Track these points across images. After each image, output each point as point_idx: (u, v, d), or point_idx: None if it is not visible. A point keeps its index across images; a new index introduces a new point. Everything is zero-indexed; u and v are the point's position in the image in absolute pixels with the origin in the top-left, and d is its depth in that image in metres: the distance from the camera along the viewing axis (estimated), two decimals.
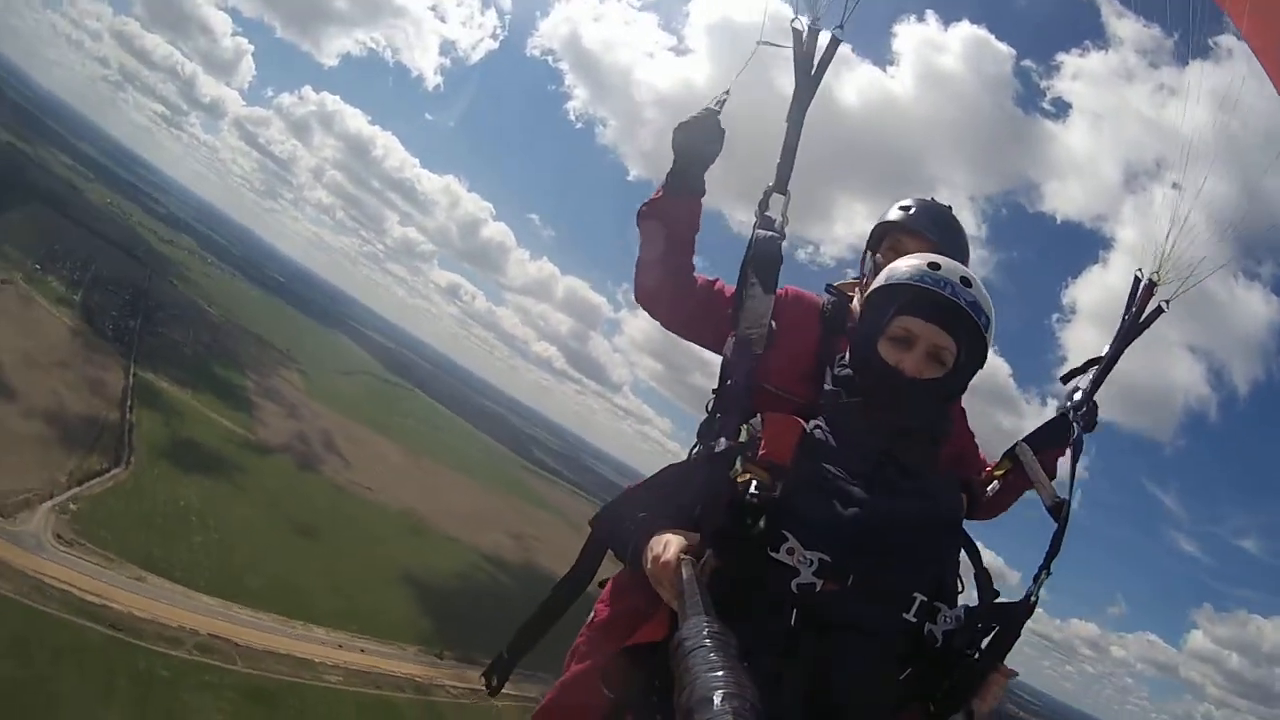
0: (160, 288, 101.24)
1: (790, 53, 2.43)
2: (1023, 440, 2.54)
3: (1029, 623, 2.12)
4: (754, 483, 1.90)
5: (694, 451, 2.22)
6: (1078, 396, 2.63)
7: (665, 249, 2.43)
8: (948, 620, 1.94)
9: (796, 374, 2.36)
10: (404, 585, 69.14)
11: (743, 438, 2.09)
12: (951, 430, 2.26)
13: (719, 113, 2.35)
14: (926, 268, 2.07)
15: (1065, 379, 2.77)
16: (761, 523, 1.85)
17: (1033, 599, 2.14)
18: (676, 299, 2.52)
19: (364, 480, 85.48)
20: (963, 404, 2.65)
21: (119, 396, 69.14)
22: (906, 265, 2.11)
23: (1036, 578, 2.19)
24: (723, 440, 2.08)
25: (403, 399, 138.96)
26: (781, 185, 2.40)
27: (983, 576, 2.12)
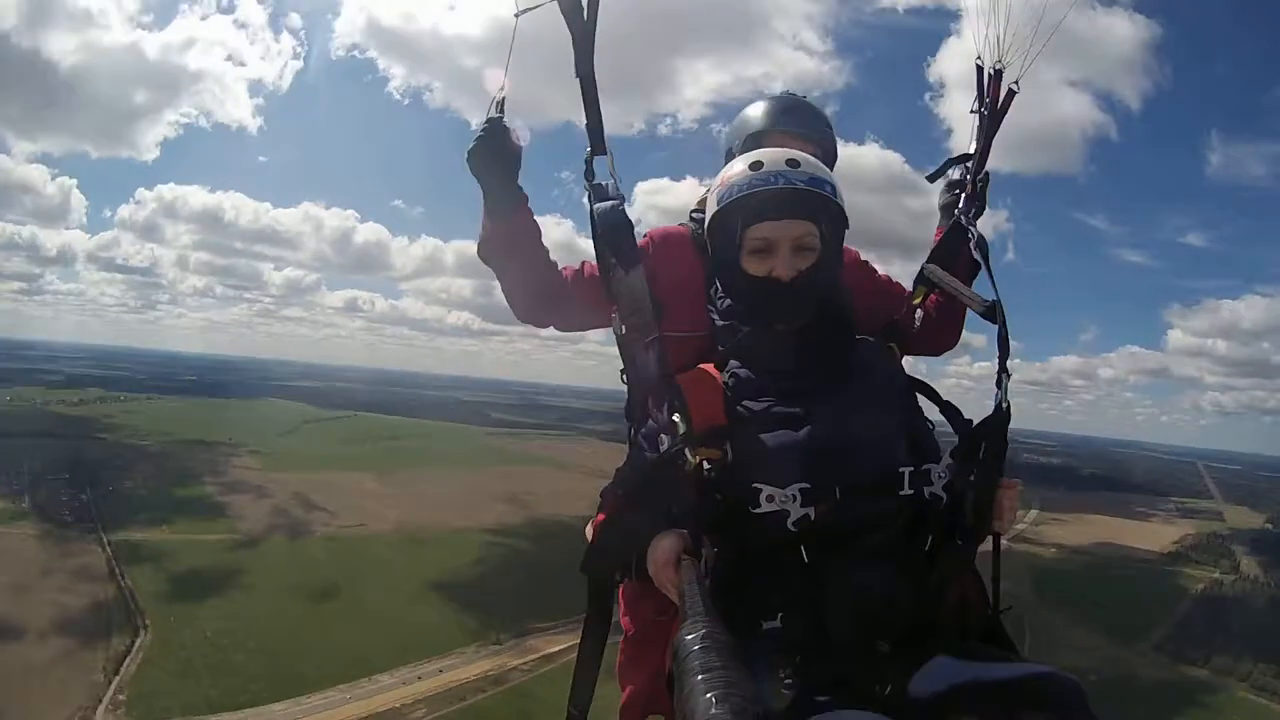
0: (90, 450, 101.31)
1: (554, 7, 2.21)
2: (927, 262, 2.46)
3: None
4: (705, 463, 1.88)
5: (631, 438, 2.19)
6: (962, 199, 2.56)
7: (520, 273, 2.39)
8: (941, 475, 1.93)
9: (690, 313, 2.28)
10: (433, 594, 73.06)
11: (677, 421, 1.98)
12: (847, 292, 2.20)
13: (501, 117, 2.26)
14: (749, 171, 2.02)
15: (931, 179, 2.76)
16: (732, 490, 1.85)
17: (1004, 405, 2.07)
18: (556, 310, 2.49)
19: (352, 520, 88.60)
20: (860, 255, 2.64)
21: (106, 570, 71.02)
22: (731, 178, 2.05)
23: (999, 383, 2.11)
24: (663, 438, 2.00)
25: (351, 427, 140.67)
26: (599, 145, 2.25)
27: (949, 409, 2.14)
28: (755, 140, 2.54)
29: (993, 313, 2.21)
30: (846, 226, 2.10)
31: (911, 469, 1.89)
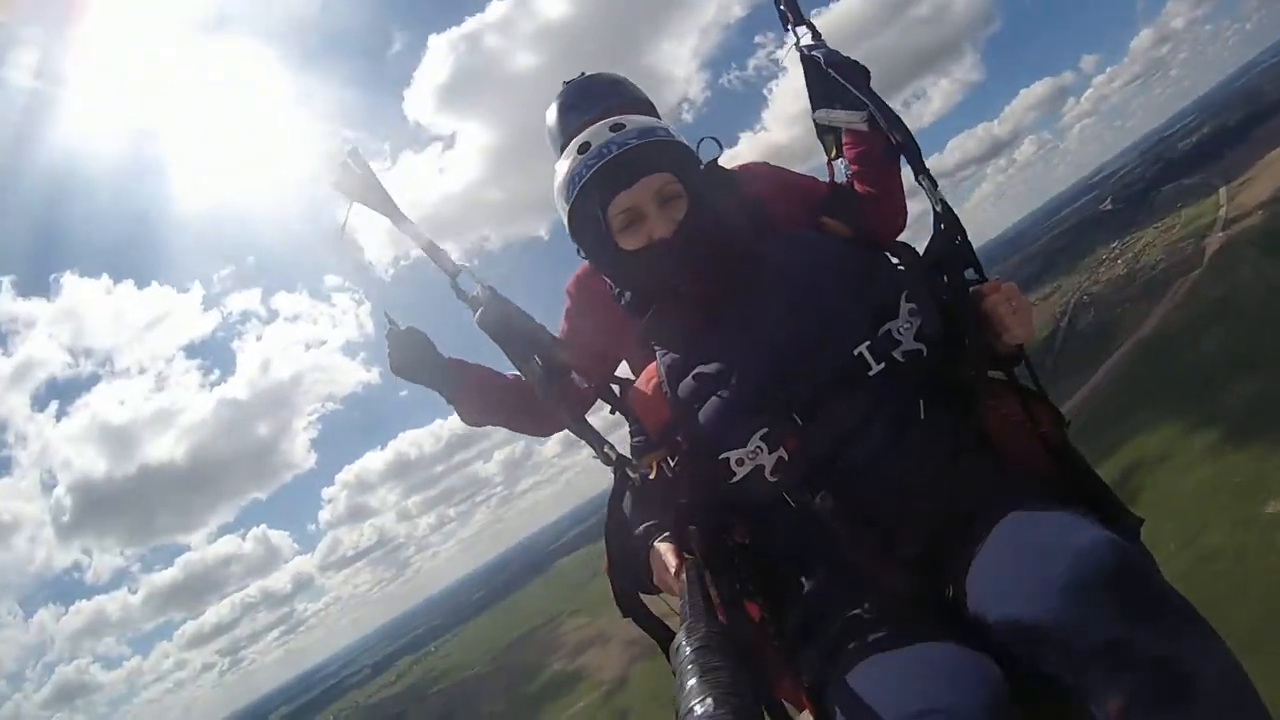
0: (435, 706, 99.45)
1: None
2: (812, 111, 2.31)
3: None
4: (661, 464, 1.77)
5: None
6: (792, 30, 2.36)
7: (504, 416, 2.38)
8: (906, 326, 1.67)
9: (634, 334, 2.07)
10: None
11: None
12: (747, 211, 2.01)
13: (396, 322, 2.17)
14: (580, 155, 1.86)
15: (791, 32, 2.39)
16: (706, 473, 1.71)
17: (939, 207, 1.90)
18: (537, 424, 2.41)
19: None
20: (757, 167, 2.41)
21: None
22: (568, 174, 1.89)
23: (920, 184, 1.96)
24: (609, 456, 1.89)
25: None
26: (454, 269, 2.08)
27: (899, 248, 1.93)
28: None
29: (888, 121, 2.03)
30: (699, 160, 1.95)
31: (868, 341, 1.66)
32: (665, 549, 1.69)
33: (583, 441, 1.97)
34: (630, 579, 1.83)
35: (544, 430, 2.43)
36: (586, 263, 2.18)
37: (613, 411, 1.95)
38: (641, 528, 1.82)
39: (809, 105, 2.34)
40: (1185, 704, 1.16)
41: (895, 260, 1.90)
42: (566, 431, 2.02)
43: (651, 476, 1.77)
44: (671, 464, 1.75)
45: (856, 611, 1.53)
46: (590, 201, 1.84)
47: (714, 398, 1.72)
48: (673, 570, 1.61)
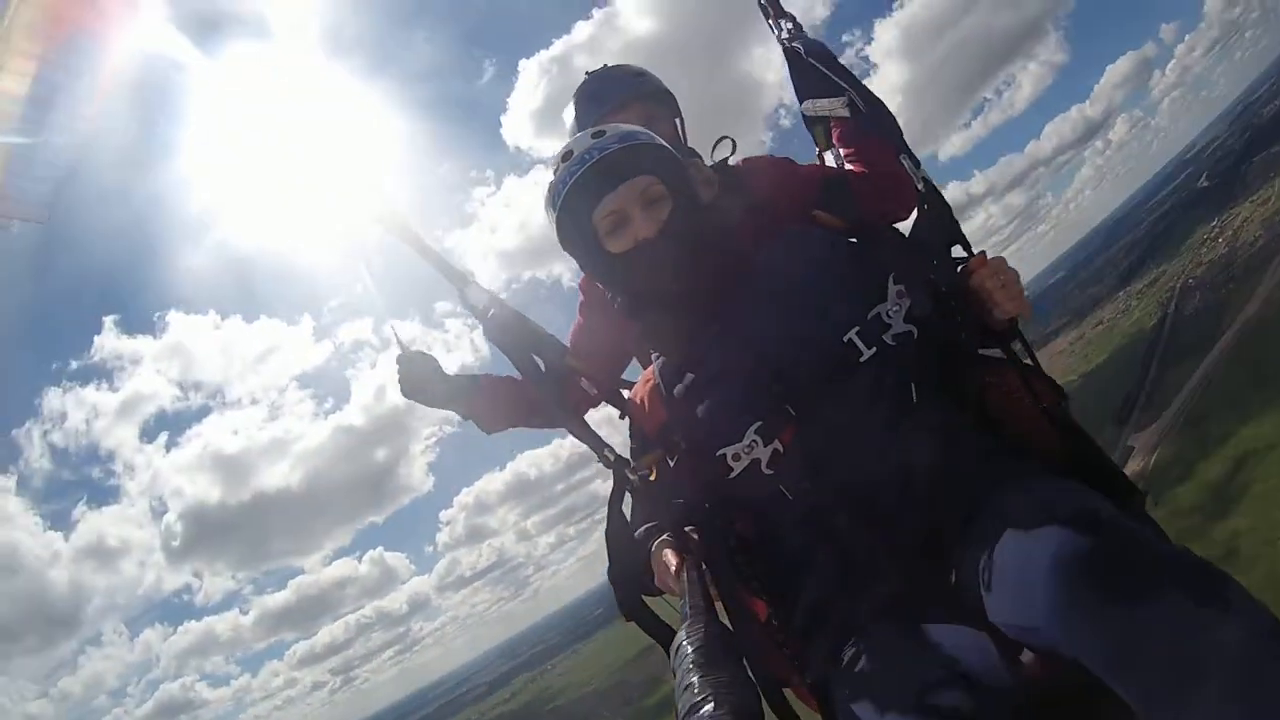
0: None
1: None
2: (800, 103, 2.34)
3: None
4: (660, 461, 1.80)
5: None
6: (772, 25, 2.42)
7: (523, 417, 2.34)
8: (894, 309, 1.66)
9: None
10: None
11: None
12: (736, 209, 2.04)
13: (405, 345, 2.20)
14: (563, 163, 1.87)
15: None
16: (706, 472, 1.72)
17: (922, 185, 1.92)
18: (551, 420, 2.34)
19: None
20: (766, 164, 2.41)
21: None
22: (553, 183, 1.91)
23: (902, 163, 1.97)
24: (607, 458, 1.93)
25: None
26: (461, 278, 2.15)
27: (886, 234, 1.95)
28: None
29: (869, 105, 2.09)
30: (680, 162, 1.93)
31: (858, 327, 1.64)
32: (666, 549, 1.71)
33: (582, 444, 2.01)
34: (632, 581, 1.85)
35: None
36: None
37: (621, 416, 2.01)
38: (642, 529, 1.86)
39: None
40: (1198, 687, 1.03)
41: (883, 244, 1.90)
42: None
43: (651, 477, 1.81)
44: (670, 464, 1.78)
45: (860, 603, 1.51)
46: (575, 207, 1.85)
47: (708, 395, 1.74)
48: (673, 570, 1.64)
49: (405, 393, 2.22)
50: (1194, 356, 56.08)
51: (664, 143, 1.90)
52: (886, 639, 1.40)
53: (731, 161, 2.30)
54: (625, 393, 2.05)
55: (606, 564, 1.91)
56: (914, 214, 2.01)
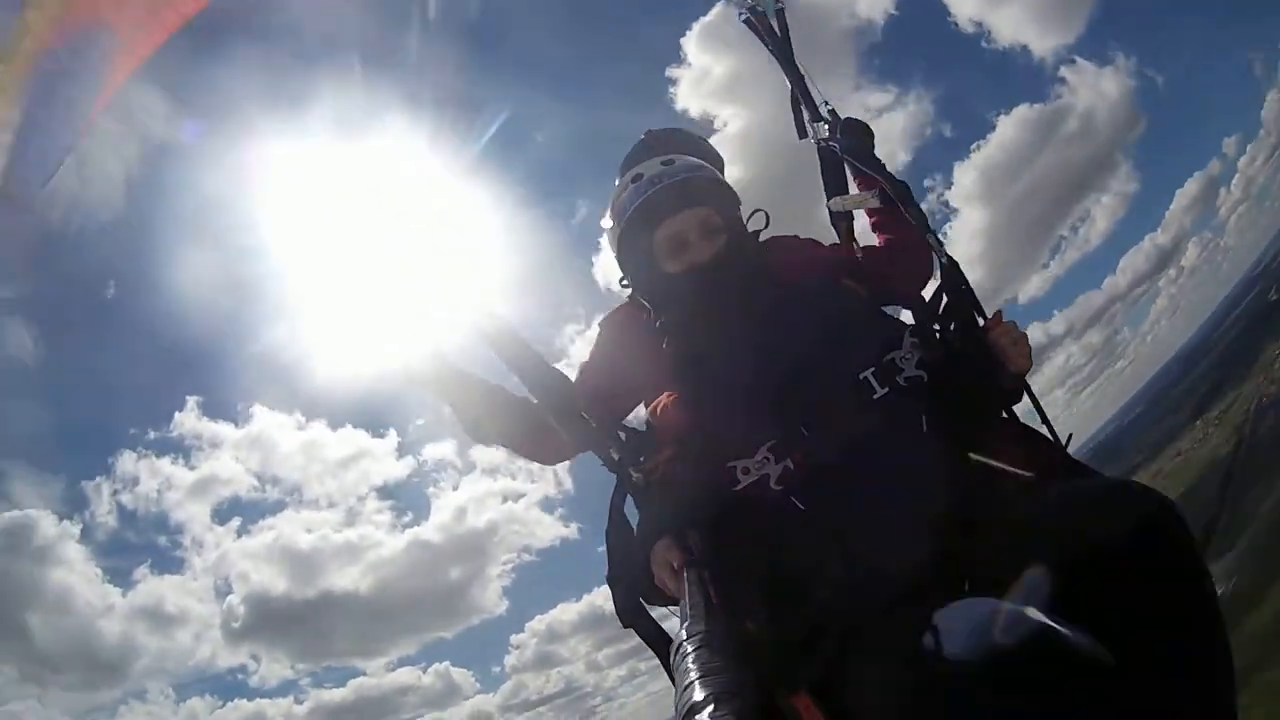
0: None
1: None
2: (827, 200, 2.44)
3: None
4: (664, 464, 1.88)
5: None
6: (821, 130, 2.48)
7: (500, 433, 2.32)
8: (907, 356, 1.82)
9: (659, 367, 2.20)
10: None
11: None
12: (776, 254, 2.21)
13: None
14: (632, 184, 2.09)
15: (803, 136, 2.56)
16: (714, 481, 1.80)
17: (944, 259, 2.07)
18: (542, 448, 2.37)
19: None
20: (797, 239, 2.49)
21: None
22: (620, 200, 2.12)
23: (928, 242, 2.13)
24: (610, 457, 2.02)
25: None
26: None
27: (908, 298, 2.15)
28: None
29: (897, 192, 2.18)
30: (739, 202, 2.20)
31: (874, 368, 1.80)
32: (667, 550, 1.78)
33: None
34: (631, 584, 1.89)
35: (548, 455, 2.37)
36: (623, 303, 2.36)
37: (618, 451, 2.01)
38: (643, 530, 1.89)
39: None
40: None
41: (904, 307, 2.13)
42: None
43: (655, 480, 1.87)
44: (676, 468, 1.85)
45: (864, 609, 1.51)
46: (640, 225, 2.06)
47: (726, 408, 1.83)
48: (675, 569, 1.70)
49: (417, 369, 2.10)
50: (1269, 478, 50.40)
51: (724, 179, 2.16)
52: (889, 643, 1.41)
53: (763, 236, 2.29)
54: (622, 435, 2.10)
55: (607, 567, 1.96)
56: (933, 282, 2.15)
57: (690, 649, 1.20)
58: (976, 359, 1.87)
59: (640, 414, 2.23)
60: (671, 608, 1.84)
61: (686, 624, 1.32)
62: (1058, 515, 1.44)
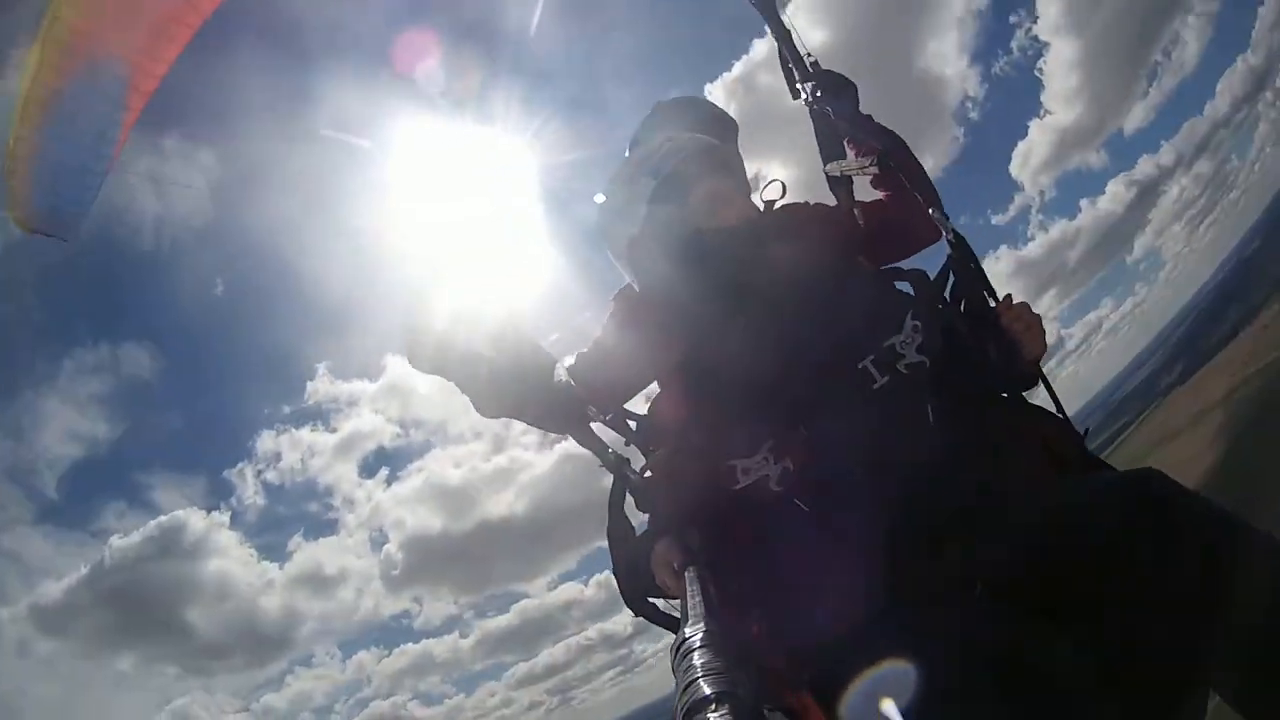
0: None
1: None
2: (823, 165, 2.35)
3: None
4: (664, 463, 1.88)
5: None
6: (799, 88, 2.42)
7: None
8: (910, 340, 1.74)
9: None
10: None
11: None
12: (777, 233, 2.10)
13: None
14: (667, 142, 2.13)
15: (796, 96, 2.47)
16: (715, 480, 1.77)
17: (952, 237, 1.98)
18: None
19: None
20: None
21: None
22: (660, 154, 2.12)
23: (932, 216, 2.05)
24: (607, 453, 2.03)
25: None
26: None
27: (913, 275, 2.05)
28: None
29: (898, 149, 2.15)
30: (748, 186, 2.24)
31: (872, 356, 1.73)
32: (667, 550, 1.74)
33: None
34: (633, 582, 1.85)
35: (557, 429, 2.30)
36: (627, 285, 2.30)
37: (627, 444, 2.02)
38: (644, 529, 1.86)
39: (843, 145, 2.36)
40: None
41: (907, 285, 2.01)
42: None
43: (654, 478, 1.85)
44: (675, 466, 1.81)
45: (863, 606, 1.48)
46: (677, 181, 2.03)
47: (723, 406, 1.77)
48: (675, 568, 1.68)
49: (421, 351, 1.90)
50: None
51: (739, 154, 2.23)
52: (888, 640, 1.39)
53: (778, 205, 2.29)
54: (631, 422, 2.08)
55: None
56: (936, 255, 2.09)
57: (690, 649, 1.17)
58: (986, 344, 1.79)
59: (646, 397, 2.19)
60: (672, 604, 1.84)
61: (688, 624, 1.27)
62: (1064, 517, 1.38)
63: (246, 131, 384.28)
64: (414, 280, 1.99)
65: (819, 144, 2.36)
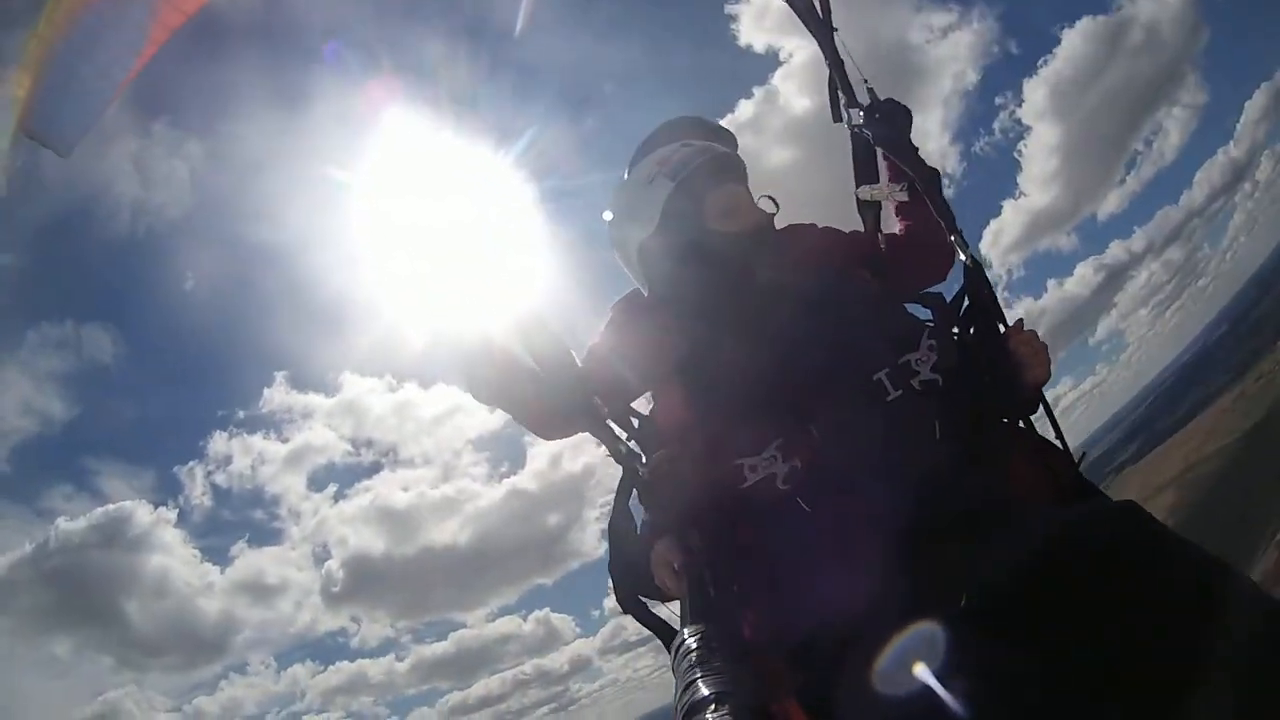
0: None
1: None
2: (855, 187, 2.42)
3: None
4: (670, 460, 1.87)
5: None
6: (856, 117, 2.39)
7: (507, 401, 2.15)
8: (923, 359, 1.78)
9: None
10: None
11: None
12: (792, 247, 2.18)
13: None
14: (682, 148, 2.16)
15: (837, 119, 2.48)
16: (720, 478, 1.76)
17: (970, 261, 2.02)
18: (547, 425, 2.24)
19: None
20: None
21: None
22: (676, 158, 2.13)
23: (954, 243, 2.08)
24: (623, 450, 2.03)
25: None
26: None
27: (930, 298, 2.11)
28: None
29: (926, 184, 2.14)
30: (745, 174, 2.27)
31: (888, 369, 1.76)
32: (667, 550, 1.77)
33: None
34: (628, 580, 1.88)
35: (551, 432, 2.23)
36: (635, 289, 2.33)
37: (629, 439, 2.05)
38: (645, 527, 1.90)
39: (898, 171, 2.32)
40: None
41: (924, 307, 2.07)
42: None
43: (660, 474, 1.85)
44: (681, 463, 1.81)
45: (858, 623, 1.45)
46: (695, 184, 2.06)
47: (734, 404, 1.78)
48: (676, 569, 1.71)
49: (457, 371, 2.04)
50: None
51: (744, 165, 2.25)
52: (887, 640, 1.37)
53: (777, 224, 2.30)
54: (634, 420, 2.14)
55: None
56: (951, 281, 2.17)
57: (690, 648, 1.18)
58: (995, 366, 1.83)
59: (647, 401, 2.21)
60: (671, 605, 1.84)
61: (688, 624, 1.29)
62: (1064, 524, 1.38)
63: (235, 131, 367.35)
64: (438, 305, 2.06)
65: (854, 167, 2.41)
